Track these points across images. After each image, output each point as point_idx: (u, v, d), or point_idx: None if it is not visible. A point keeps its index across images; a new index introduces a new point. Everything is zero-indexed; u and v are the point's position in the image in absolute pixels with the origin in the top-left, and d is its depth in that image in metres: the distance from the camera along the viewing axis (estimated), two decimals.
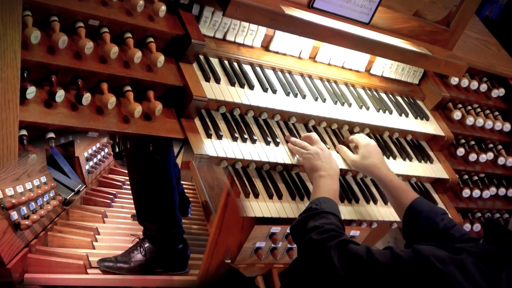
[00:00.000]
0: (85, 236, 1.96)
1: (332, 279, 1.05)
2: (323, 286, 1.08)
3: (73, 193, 2.16)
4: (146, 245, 1.77)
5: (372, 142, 1.54)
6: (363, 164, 1.48)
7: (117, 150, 2.72)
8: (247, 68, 1.56)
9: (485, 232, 1.08)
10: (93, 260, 1.83)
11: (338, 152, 1.56)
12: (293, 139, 1.48)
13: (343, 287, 1.04)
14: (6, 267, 1.57)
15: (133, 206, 2.19)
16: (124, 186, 2.51)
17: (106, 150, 2.61)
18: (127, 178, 2.53)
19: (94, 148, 2.46)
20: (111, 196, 2.35)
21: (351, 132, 1.72)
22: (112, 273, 1.77)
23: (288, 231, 1.44)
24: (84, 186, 2.26)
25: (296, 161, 1.45)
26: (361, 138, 1.55)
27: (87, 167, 2.34)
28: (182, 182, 2.21)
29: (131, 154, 1.75)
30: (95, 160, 2.44)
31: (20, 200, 1.67)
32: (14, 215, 1.64)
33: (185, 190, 2.22)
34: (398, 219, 1.60)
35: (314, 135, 1.48)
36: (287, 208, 1.40)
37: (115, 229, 2.14)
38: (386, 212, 1.59)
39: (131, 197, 2.35)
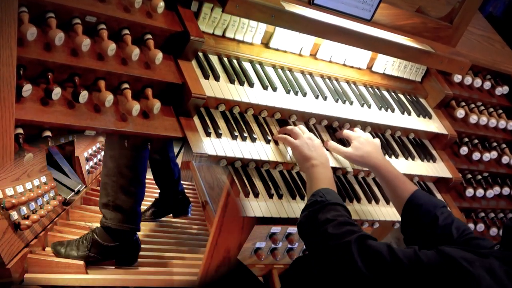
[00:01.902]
0: None
1: (353, 276, 1.02)
2: (341, 283, 1.05)
3: (73, 193, 2.16)
4: (95, 238, 1.75)
5: (364, 134, 1.51)
6: (357, 155, 1.44)
7: None
8: (247, 66, 1.55)
9: (504, 237, 1.05)
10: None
11: (328, 149, 1.52)
12: (281, 129, 1.46)
13: (364, 284, 1.01)
14: (6, 267, 1.56)
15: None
16: None
17: None
18: None
19: (94, 148, 2.46)
20: None
21: None
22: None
23: (288, 231, 1.42)
24: (84, 186, 2.26)
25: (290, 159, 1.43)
26: (351, 133, 1.52)
27: (87, 167, 2.33)
28: (182, 182, 2.20)
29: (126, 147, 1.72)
30: (95, 160, 2.43)
31: (20, 200, 1.66)
32: (14, 215, 1.63)
33: (185, 190, 2.21)
34: (400, 219, 1.58)
35: (299, 128, 1.45)
36: (288, 207, 1.38)
37: None
38: (388, 212, 1.57)
39: None
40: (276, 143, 1.46)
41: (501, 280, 0.94)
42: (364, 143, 1.46)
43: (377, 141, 1.52)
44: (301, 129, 1.43)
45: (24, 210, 1.69)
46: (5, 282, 1.59)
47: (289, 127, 1.45)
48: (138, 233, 1.83)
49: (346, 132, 1.56)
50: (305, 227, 1.17)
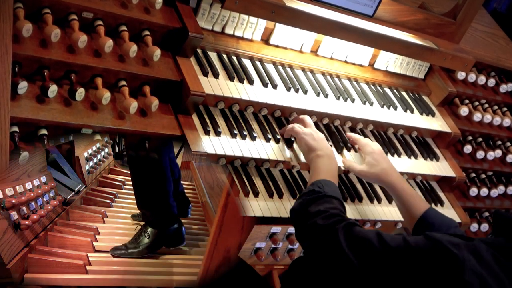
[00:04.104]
0: (85, 236, 1.95)
1: (339, 263, 1.01)
2: (330, 272, 1.04)
3: (73, 193, 2.15)
4: (149, 229, 1.93)
5: (377, 148, 1.46)
6: (372, 173, 1.41)
7: (117, 150, 2.70)
8: (247, 63, 1.53)
9: (494, 225, 1.06)
10: (93, 260, 1.82)
11: (344, 164, 1.50)
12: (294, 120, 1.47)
13: (351, 271, 1.00)
14: (6, 267, 1.56)
15: (133, 206, 2.19)
16: (124, 186, 2.49)
17: (106, 150, 2.59)
18: (127, 178, 2.53)
19: (94, 148, 2.45)
20: (111, 196, 2.34)
21: (354, 128, 1.68)
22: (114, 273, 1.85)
23: (289, 231, 1.40)
24: (84, 186, 2.25)
25: (292, 159, 1.42)
26: (365, 146, 1.47)
27: (87, 167, 2.32)
28: (182, 182, 2.19)
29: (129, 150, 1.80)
30: (95, 160, 2.42)
31: (20, 200, 1.65)
32: (14, 215, 1.62)
33: (185, 190, 2.20)
34: (402, 219, 1.55)
35: (307, 118, 1.44)
36: (288, 207, 1.36)
37: (115, 229, 2.13)
38: (390, 212, 1.55)
39: (131, 197, 2.35)
40: (277, 141, 1.44)
41: (487, 262, 0.94)
42: (379, 160, 1.42)
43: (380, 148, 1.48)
44: (305, 121, 1.43)
45: (24, 210, 1.68)
46: (5, 282, 1.58)
47: (300, 116, 1.45)
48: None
49: (356, 139, 1.50)
50: (297, 215, 1.16)
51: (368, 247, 0.99)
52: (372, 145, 1.47)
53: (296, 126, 1.40)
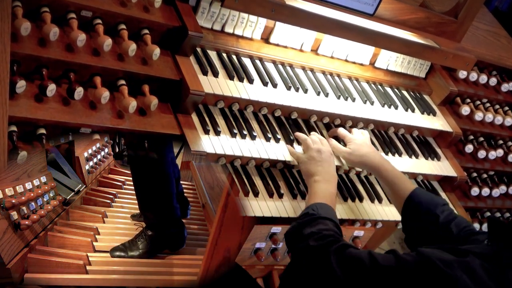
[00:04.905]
0: (85, 236, 1.95)
1: (331, 285, 1.01)
2: None
3: (73, 193, 2.15)
4: (149, 233, 1.91)
5: (360, 137, 1.48)
6: (356, 155, 1.42)
7: (117, 150, 2.70)
8: (246, 61, 1.52)
9: (490, 232, 1.05)
10: (93, 260, 1.81)
11: (330, 143, 1.48)
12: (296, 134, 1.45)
13: None
14: (6, 267, 1.56)
15: (133, 206, 2.19)
16: (124, 186, 2.49)
17: (106, 150, 2.59)
18: (127, 178, 2.53)
19: (94, 148, 2.45)
20: (111, 196, 2.34)
21: (355, 128, 1.67)
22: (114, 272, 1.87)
23: None
24: (84, 186, 2.24)
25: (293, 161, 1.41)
26: (345, 137, 1.49)
27: (87, 167, 2.32)
28: (182, 182, 2.19)
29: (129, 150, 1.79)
30: (95, 160, 2.42)
31: (20, 200, 1.66)
32: (14, 215, 1.63)
33: (185, 190, 2.20)
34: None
35: (314, 137, 1.42)
36: (288, 207, 1.36)
37: (115, 229, 2.13)
38: (391, 211, 1.54)
39: (131, 197, 2.35)
40: (277, 140, 1.43)
41: (481, 278, 0.93)
42: (362, 145, 1.45)
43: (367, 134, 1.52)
44: (312, 139, 1.40)
45: (24, 210, 1.68)
46: (5, 282, 1.58)
47: (302, 136, 1.42)
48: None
49: (342, 132, 1.52)
50: (291, 239, 1.16)
51: (359, 266, 0.99)
52: (356, 134, 1.49)
53: (299, 153, 1.38)
